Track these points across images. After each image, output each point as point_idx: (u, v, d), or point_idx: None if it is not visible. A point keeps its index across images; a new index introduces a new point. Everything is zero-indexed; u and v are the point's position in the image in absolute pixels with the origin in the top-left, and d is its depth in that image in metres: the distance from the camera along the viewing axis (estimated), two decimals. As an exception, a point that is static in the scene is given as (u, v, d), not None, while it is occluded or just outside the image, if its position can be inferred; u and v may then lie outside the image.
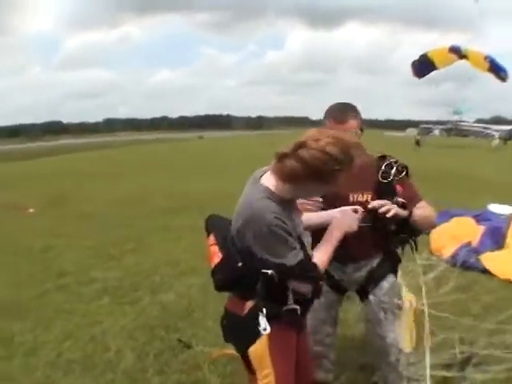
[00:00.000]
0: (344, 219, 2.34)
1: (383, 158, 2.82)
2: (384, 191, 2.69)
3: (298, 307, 2.14)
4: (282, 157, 1.97)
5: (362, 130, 2.72)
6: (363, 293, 2.93)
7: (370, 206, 2.58)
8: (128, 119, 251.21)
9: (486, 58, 23.83)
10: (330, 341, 3.07)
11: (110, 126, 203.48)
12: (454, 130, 58.22)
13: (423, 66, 25.18)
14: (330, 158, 1.91)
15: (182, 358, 3.99)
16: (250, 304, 2.08)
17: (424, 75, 26.25)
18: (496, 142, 39.32)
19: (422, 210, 2.73)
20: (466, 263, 5.84)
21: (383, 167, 2.73)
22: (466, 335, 3.91)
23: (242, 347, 2.16)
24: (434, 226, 3.23)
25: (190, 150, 39.64)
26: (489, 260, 5.95)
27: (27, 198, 13.41)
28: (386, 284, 2.84)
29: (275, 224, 1.98)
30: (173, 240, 7.98)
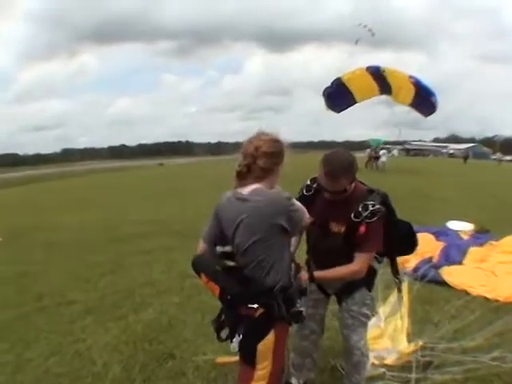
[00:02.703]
0: None
1: (370, 192, 3.17)
2: (351, 229, 3.10)
3: (303, 309, 2.64)
4: (247, 166, 2.61)
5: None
6: (338, 299, 3.48)
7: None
8: (86, 149, 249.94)
9: (410, 77, 18.36)
10: (314, 338, 3.58)
11: (68, 156, 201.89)
12: (413, 149, 60.54)
13: (339, 96, 20.07)
14: (280, 141, 2.69)
15: (167, 367, 4.31)
16: (260, 310, 2.54)
17: (342, 109, 21.75)
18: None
19: (338, 270, 3.14)
20: (427, 276, 6.43)
21: (360, 207, 3.05)
22: (428, 341, 4.44)
23: (252, 343, 2.59)
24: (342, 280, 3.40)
25: (150, 176, 39.67)
26: (447, 273, 6.54)
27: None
28: (357, 296, 3.33)
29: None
30: (148, 262, 8.24)
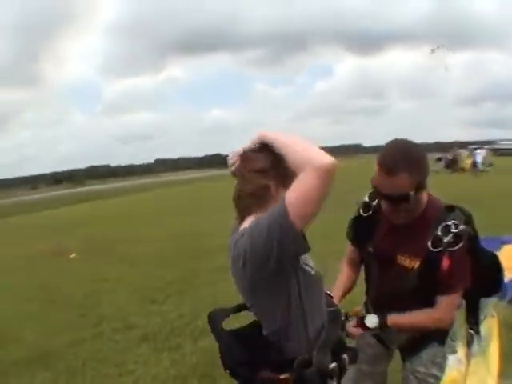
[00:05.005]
0: None
1: (451, 209, 2.32)
2: (430, 262, 2.25)
3: (336, 365, 1.88)
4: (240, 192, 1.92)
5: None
6: (402, 355, 2.65)
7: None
8: (179, 158, 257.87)
9: None
10: None
11: (161, 166, 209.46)
12: (500, 149, 56.85)
13: None
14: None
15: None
16: (284, 376, 1.82)
17: None
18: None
19: (417, 316, 2.34)
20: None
21: (439, 230, 2.22)
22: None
23: None
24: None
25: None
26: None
27: (70, 243, 13.83)
28: (424, 355, 2.50)
29: None
30: (219, 281, 7.88)
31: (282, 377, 1.78)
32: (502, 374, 3.17)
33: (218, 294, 6.92)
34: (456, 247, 2.18)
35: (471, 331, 2.54)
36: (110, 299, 7.54)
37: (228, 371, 1.93)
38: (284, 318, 1.81)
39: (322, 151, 1.63)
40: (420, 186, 2.20)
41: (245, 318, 2.00)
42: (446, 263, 2.20)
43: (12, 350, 5.61)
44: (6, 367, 5.11)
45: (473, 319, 2.51)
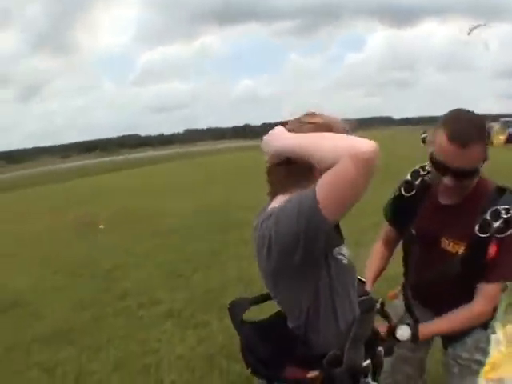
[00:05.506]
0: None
1: (501, 191, 2.12)
2: (476, 248, 2.05)
3: (369, 362, 1.68)
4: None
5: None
6: (443, 341, 2.45)
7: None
8: (209, 129, 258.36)
9: None
10: None
11: (191, 136, 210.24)
12: None
13: None
14: None
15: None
16: (312, 374, 1.63)
17: None
18: None
19: (455, 317, 2.13)
20: None
21: (488, 214, 2.02)
22: None
23: None
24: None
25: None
26: None
27: (100, 213, 13.87)
28: (468, 340, 2.31)
29: None
30: (248, 256, 7.75)
31: (309, 375, 1.58)
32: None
33: (245, 269, 6.79)
34: (505, 234, 1.97)
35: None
36: (136, 273, 7.45)
37: (250, 369, 1.76)
38: (311, 310, 1.61)
39: (359, 138, 1.39)
40: (486, 159, 2.02)
41: (271, 308, 1.77)
42: (492, 250, 2.00)
43: (36, 326, 5.57)
44: (28, 343, 5.06)
45: None
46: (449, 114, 2.05)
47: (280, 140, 1.57)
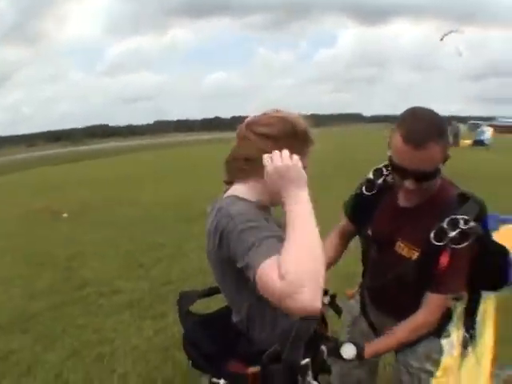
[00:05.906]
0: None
1: (463, 198, 2.02)
2: (429, 255, 2.00)
3: (309, 361, 1.71)
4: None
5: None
6: None
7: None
8: (179, 120, 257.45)
9: None
10: None
11: (160, 127, 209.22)
12: (500, 126, 56.07)
13: None
14: None
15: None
16: (252, 369, 1.65)
17: None
18: None
19: (399, 334, 2.11)
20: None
21: (445, 222, 1.95)
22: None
23: None
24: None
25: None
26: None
27: (64, 202, 13.74)
28: (419, 349, 2.28)
29: None
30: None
31: (250, 371, 1.61)
32: (498, 358, 2.95)
33: (207, 261, 6.78)
34: (460, 246, 1.93)
35: (466, 334, 2.31)
36: (97, 263, 7.40)
37: (190, 362, 1.76)
38: (254, 307, 1.63)
39: (319, 287, 1.31)
40: (446, 160, 1.95)
41: (221, 300, 1.81)
42: (444, 260, 1.96)
43: (-8, 314, 5.50)
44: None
45: (469, 319, 2.30)
46: (404, 113, 1.97)
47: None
